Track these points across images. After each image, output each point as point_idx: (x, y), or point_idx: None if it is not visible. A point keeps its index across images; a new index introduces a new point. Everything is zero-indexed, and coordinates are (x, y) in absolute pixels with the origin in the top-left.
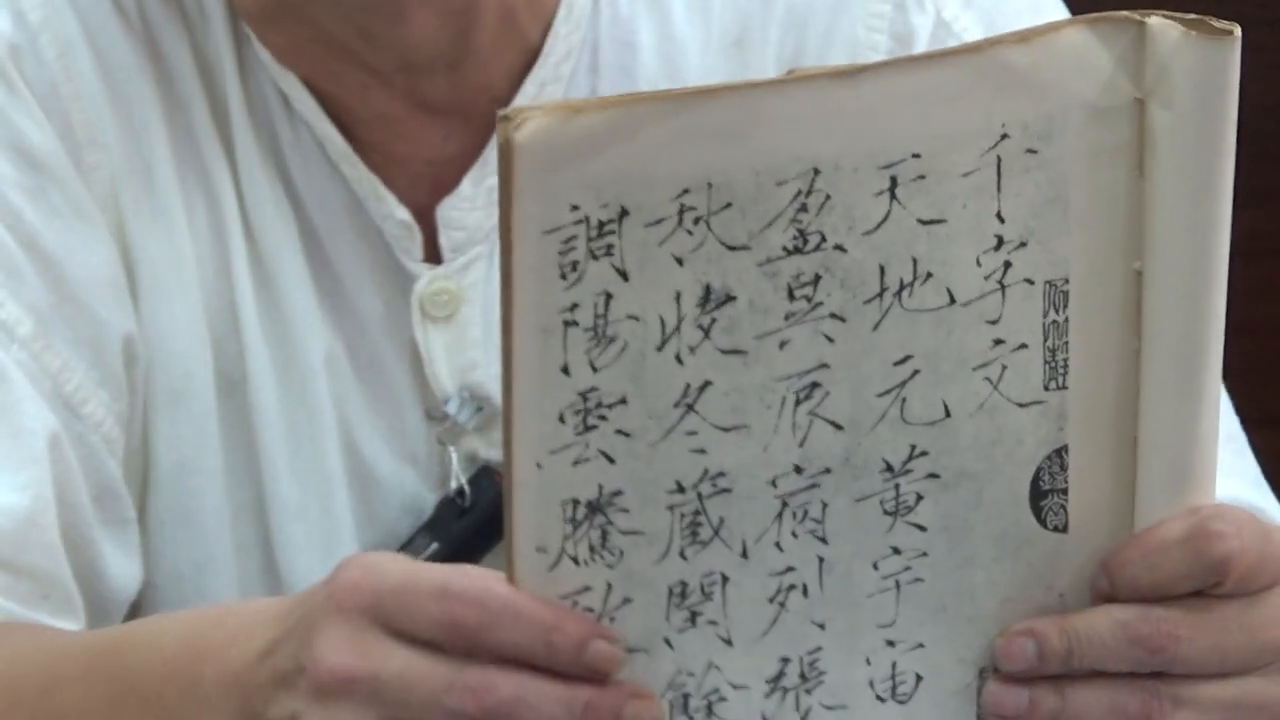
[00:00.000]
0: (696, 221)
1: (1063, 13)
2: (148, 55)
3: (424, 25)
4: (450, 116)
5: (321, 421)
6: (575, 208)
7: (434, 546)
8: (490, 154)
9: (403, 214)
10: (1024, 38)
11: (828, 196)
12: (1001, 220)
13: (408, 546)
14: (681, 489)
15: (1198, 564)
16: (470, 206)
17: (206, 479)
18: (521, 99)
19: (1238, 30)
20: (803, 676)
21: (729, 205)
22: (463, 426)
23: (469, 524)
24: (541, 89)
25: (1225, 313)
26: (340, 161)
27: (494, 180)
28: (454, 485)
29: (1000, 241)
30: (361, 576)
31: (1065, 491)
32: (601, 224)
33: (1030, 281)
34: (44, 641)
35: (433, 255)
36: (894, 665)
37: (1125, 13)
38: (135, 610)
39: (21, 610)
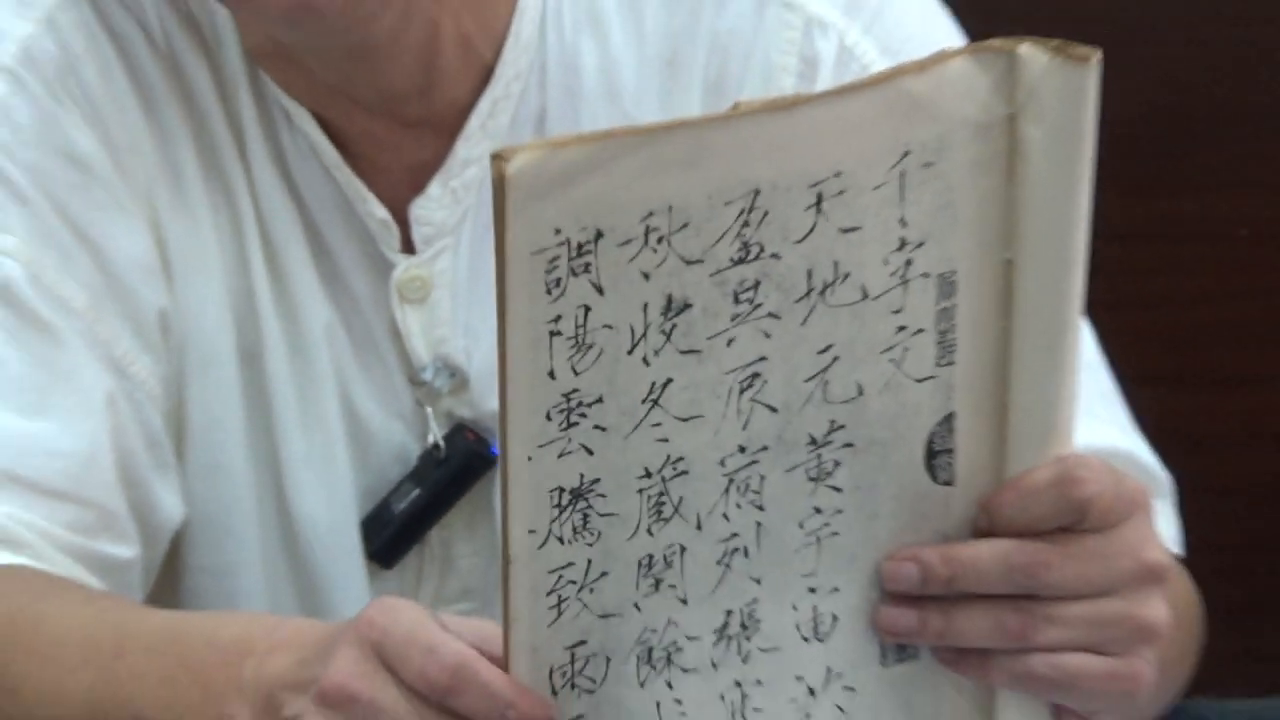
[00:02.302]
0: (660, 240)
1: (952, 29)
2: (173, 76)
3: (395, 68)
4: (422, 129)
5: (324, 385)
6: (558, 231)
7: (416, 492)
8: (454, 160)
9: (382, 213)
10: (921, 67)
11: (766, 212)
12: (904, 225)
13: (395, 492)
14: (649, 474)
15: (1064, 504)
16: (437, 205)
17: (231, 434)
18: (477, 115)
19: (1098, 54)
20: (743, 625)
21: (686, 225)
22: (438, 390)
23: (445, 473)
24: (495, 105)
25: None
26: (332, 169)
27: (458, 183)
28: (432, 439)
29: (903, 243)
30: (379, 616)
31: (952, 451)
32: (580, 245)
33: (926, 275)
34: (119, 610)
35: (409, 245)
36: (815, 609)
37: (1000, 41)
38: (175, 543)
39: (85, 540)
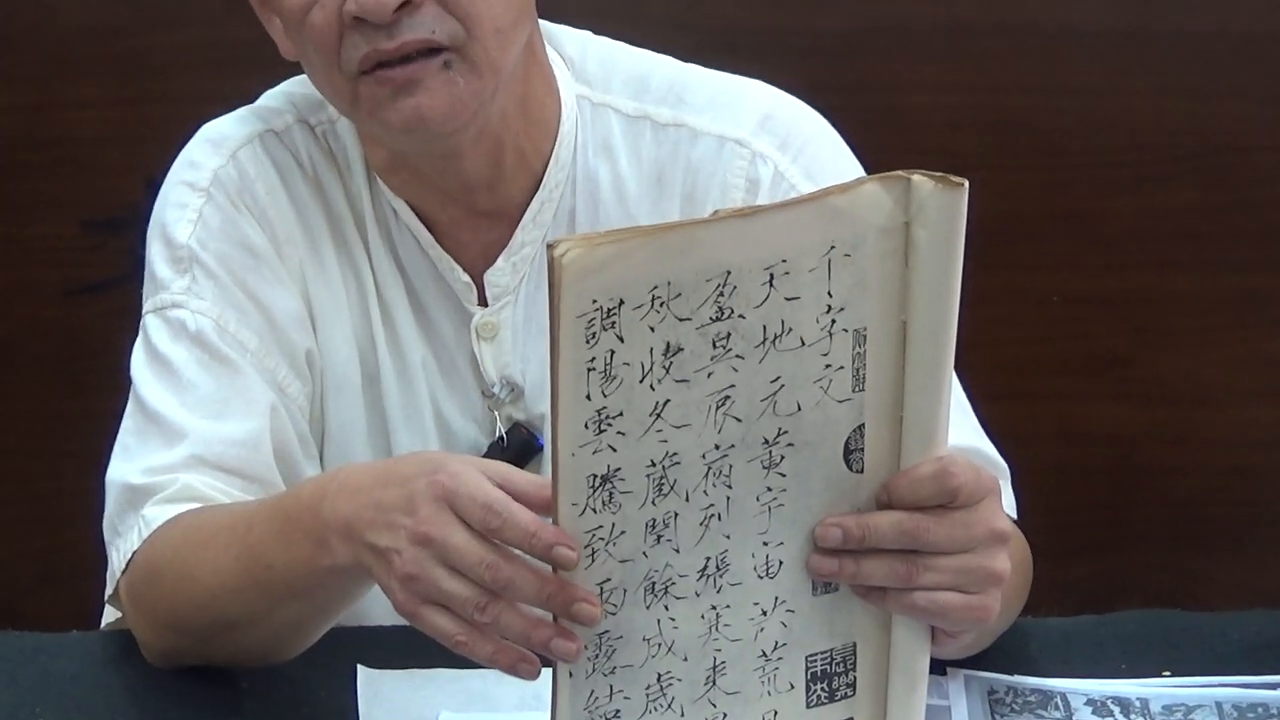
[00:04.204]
0: (661, 305)
1: (854, 160)
2: (317, 191)
3: (471, 166)
4: (492, 217)
5: (421, 400)
6: (594, 301)
7: None
8: (514, 242)
9: (464, 278)
10: (845, 189)
11: (735, 286)
12: (830, 295)
13: None
14: (653, 464)
15: (941, 489)
16: (503, 274)
17: (357, 437)
18: (529, 212)
19: (966, 183)
20: (718, 567)
21: (680, 294)
22: (503, 400)
23: (507, 457)
24: (541, 205)
25: (969, 332)
26: (428, 248)
27: (517, 257)
28: (497, 434)
29: (829, 308)
30: (449, 479)
31: (863, 450)
32: (608, 310)
33: (845, 330)
34: (243, 504)
35: (482, 300)
36: (768, 556)
37: (900, 171)
38: None
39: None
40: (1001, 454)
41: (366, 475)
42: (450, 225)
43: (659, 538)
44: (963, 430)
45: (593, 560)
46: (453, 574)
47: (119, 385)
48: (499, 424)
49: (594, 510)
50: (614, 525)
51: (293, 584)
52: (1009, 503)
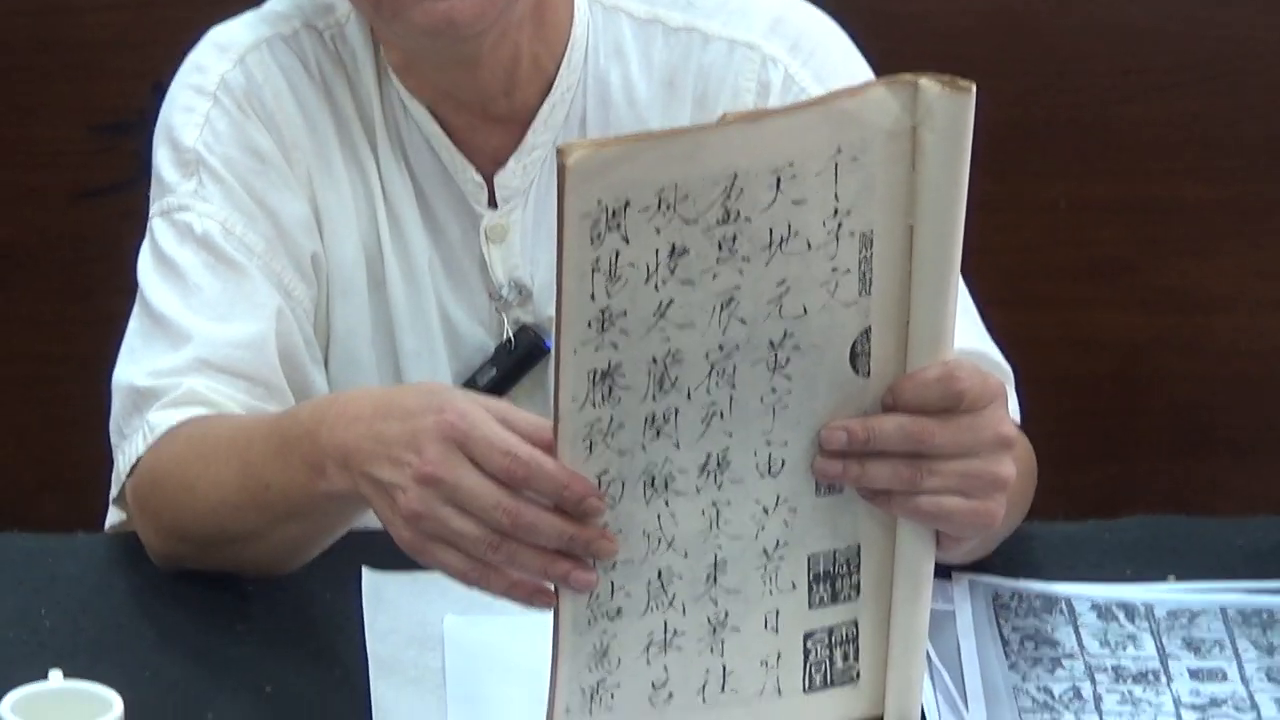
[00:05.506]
0: (668, 208)
1: (864, 65)
2: (324, 95)
3: (488, 75)
4: (504, 121)
5: (428, 302)
6: (600, 202)
7: (494, 372)
8: (525, 146)
9: (476, 177)
10: (852, 93)
11: (742, 190)
12: (837, 199)
13: (479, 372)
14: (655, 361)
15: (946, 393)
16: (513, 176)
17: (363, 340)
18: (541, 115)
19: (973, 85)
20: (719, 464)
21: (687, 197)
22: (510, 302)
23: (514, 358)
24: (553, 109)
25: (975, 239)
26: (440, 149)
27: (528, 160)
28: (505, 336)
29: (836, 211)
30: (459, 420)
31: (870, 354)
32: (614, 210)
33: (852, 234)
34: (247, 418)
35: (491, 203)
36: (770, 455)
37: (908, 75)
38: None
39: (257, 404)
40: (1007, 360)
41: (366, 404)
42: (462, 129)
43: (658, 432)
44: (968, 335)
45: (590, 451)
46: (461, 514)
47: (124, 289)
48: (506, 326)
49: (593, 404)
50: (612, 418)
51: (290, 505)
52: (1013, 408)
